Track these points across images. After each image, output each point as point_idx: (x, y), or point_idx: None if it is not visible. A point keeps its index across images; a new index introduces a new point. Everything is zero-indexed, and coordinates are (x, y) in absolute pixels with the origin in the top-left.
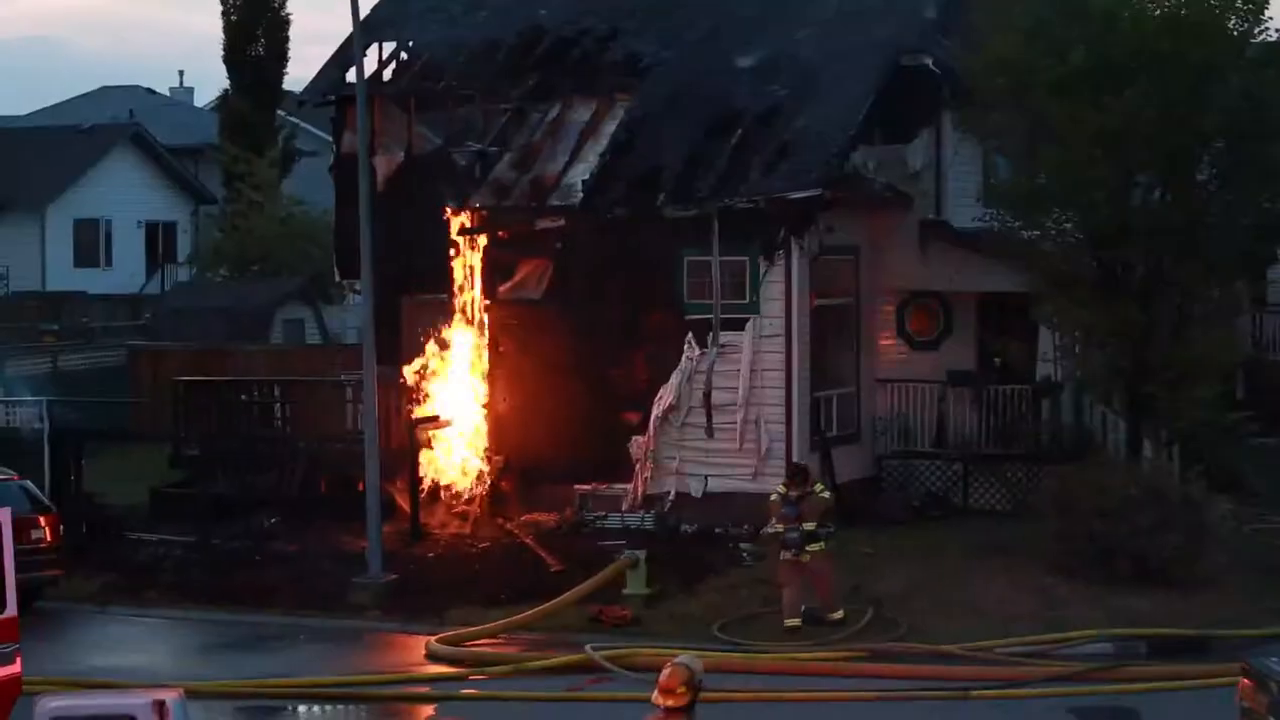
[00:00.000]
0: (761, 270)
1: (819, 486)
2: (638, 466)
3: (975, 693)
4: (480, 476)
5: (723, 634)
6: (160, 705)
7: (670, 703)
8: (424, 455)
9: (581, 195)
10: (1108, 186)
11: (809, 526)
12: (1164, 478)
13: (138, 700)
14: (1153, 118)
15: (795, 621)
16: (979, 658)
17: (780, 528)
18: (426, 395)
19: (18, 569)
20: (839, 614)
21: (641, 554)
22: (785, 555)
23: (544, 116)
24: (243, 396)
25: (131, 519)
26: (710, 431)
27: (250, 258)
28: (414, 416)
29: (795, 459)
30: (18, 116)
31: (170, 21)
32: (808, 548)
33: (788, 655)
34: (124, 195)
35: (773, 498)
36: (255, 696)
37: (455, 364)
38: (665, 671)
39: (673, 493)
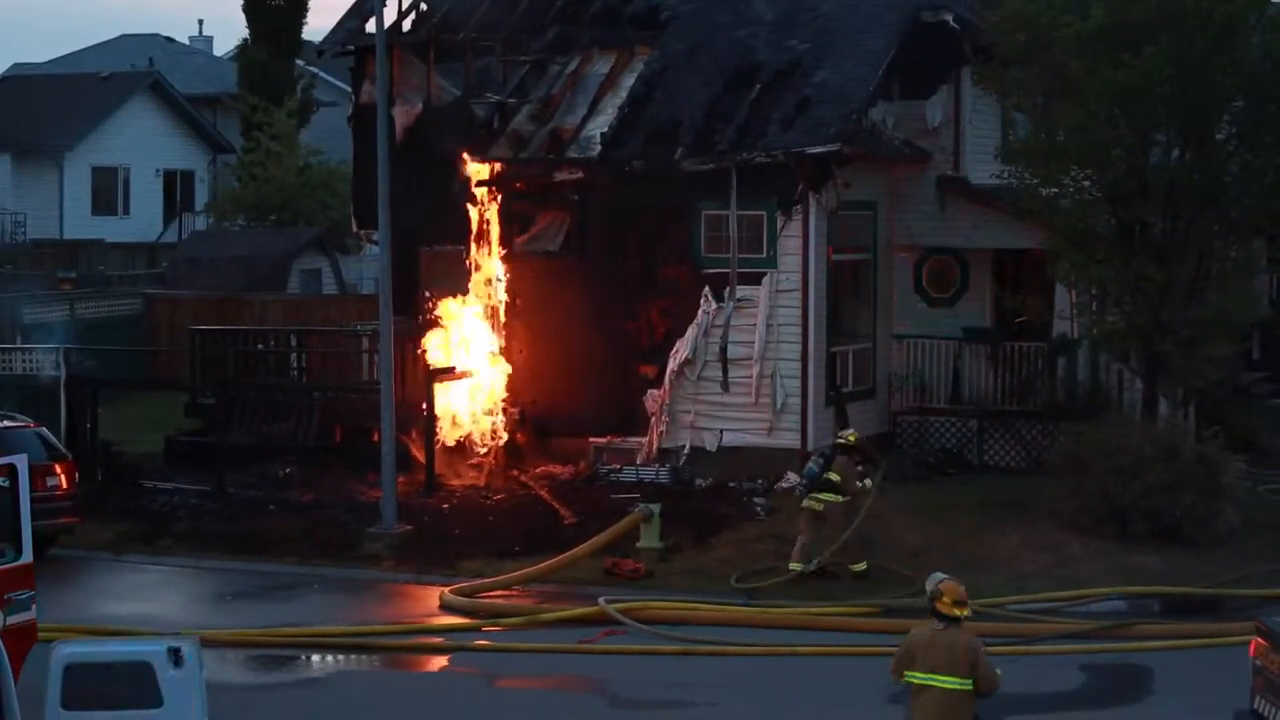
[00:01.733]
0: (779, 224)
1: (849, 436)
2: (653, 420)
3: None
4: (495, 428)
5: (740, 585)
6: (175, 653)
7: (964, 613)
8: (439, 406)
9: (600, 148)
10: (1126, 144)
11: (833, 476)
12: (1179, 436)
13: (153, 648)
14: (1172, 76)
15: (799, 566)
16: (991, 614)
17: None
18: (443, 346)
19: (34, 516)
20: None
21: (656, 507)
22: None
23: (563, 69)
24: (259, 346)
25: (147, 467)
26: (726, 386)
27: (268, 207)
28: (430, 367)
29: (810, 414)
30: (37, 64)
31: None
32: (821, 496)
33: (801, 610)
34: (142, 143)
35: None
36: (268, 645)
37: (471, 315)
38: (946, 584)
39: (687, 447)
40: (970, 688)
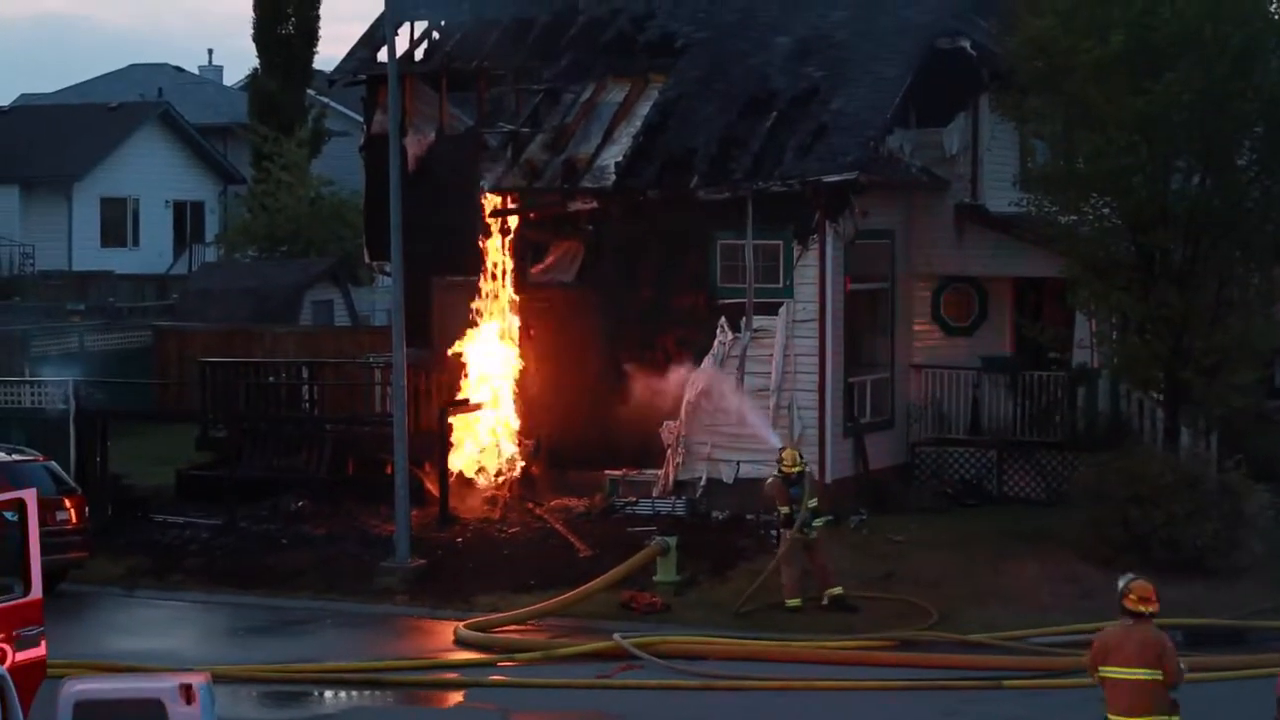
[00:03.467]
0: (795, 254)
1: (788, 455)
2: (669, 452)
3: (1008, 683)
4: (510, 461)
5: (743, 616)
6: (187, 689)
7: (1151, 609)
8: (454, 439)
9: (614, 177)
10: (1146, 171)
11: (813, 504)
12: (1201, 465)
13: (164, 684)
14: (1192, 102)
15: (797, 601)
16: (1012, 647)
17: (786, 509)
18: (458, 379)
19: (43, 551)
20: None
21: (672, 540)
22: (793, 534)
23: (577, 97)
24: (270, 378)
25: (158, 501)
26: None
27: (279, 238)
28: (445, 399)
29: (828, 445)
30: (45, 94)
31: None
32: (815, 524)
33: (817, 644)
34: (152, 174)
35: (771, 481)
36: (281, 681)
37: (486, 347)
38: (1136, 583)
39: (704, 478)
40: (1160, 678)
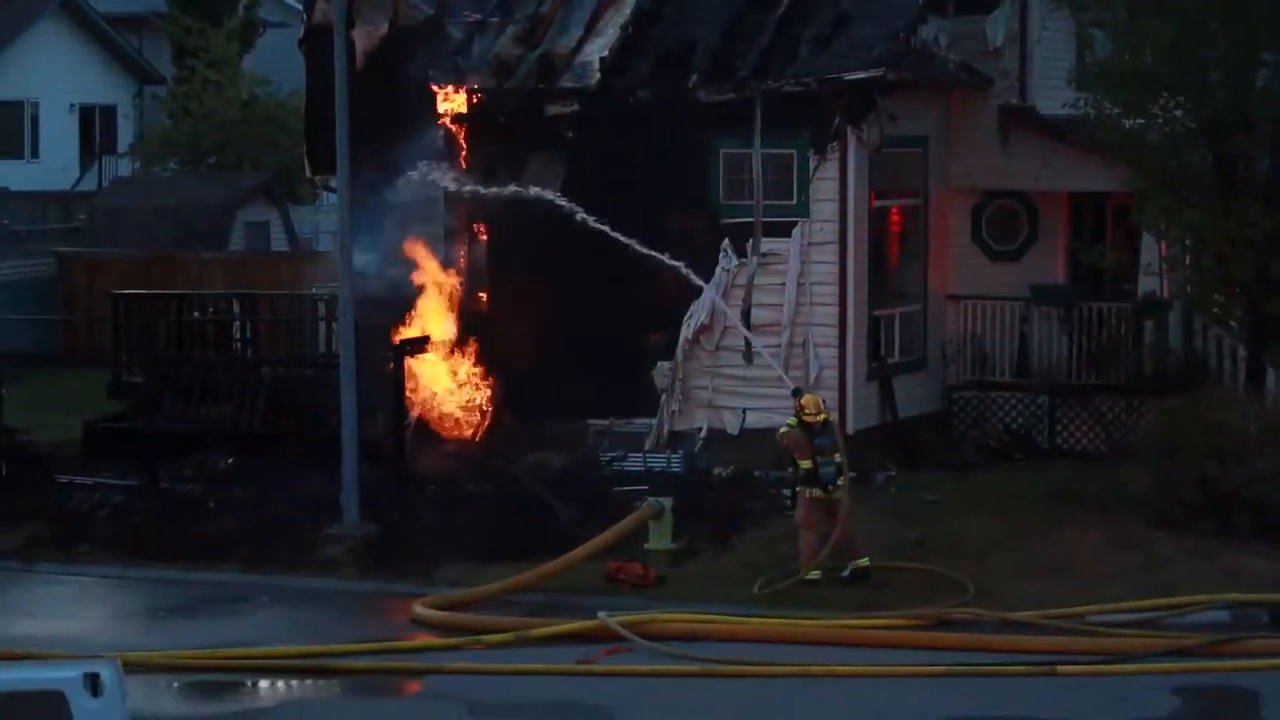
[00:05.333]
0: (811, 165)
1: (809, 400)
2: (663, 398)
3: (1062, 669)
4: (477, 409)
5: (763, 593)
6: (93, 679)
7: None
8: (410, 383)
9: (599, 75)
10: (1226, 66)
11: (839, 458)
12: None
13: (66, 673)
14: None
15: (818, 572)
16: (1066, 627)
17: (809, 464)
18: (413, 313)
19: None
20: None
21: (667, 502)
22: (813, 493)
23: None
24: (195, 313)
25: (62, 459)
26: (749, 357)
27: (205, 148)
28: (398, 338)
29: (850, 390)
30: None
31: None
32: (839, 482)
33: (839, 623)
34: (53, 73)
35: (786, 429)
36: (207, 669)
37: (449, 277)
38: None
39: (704, 429)
40: None
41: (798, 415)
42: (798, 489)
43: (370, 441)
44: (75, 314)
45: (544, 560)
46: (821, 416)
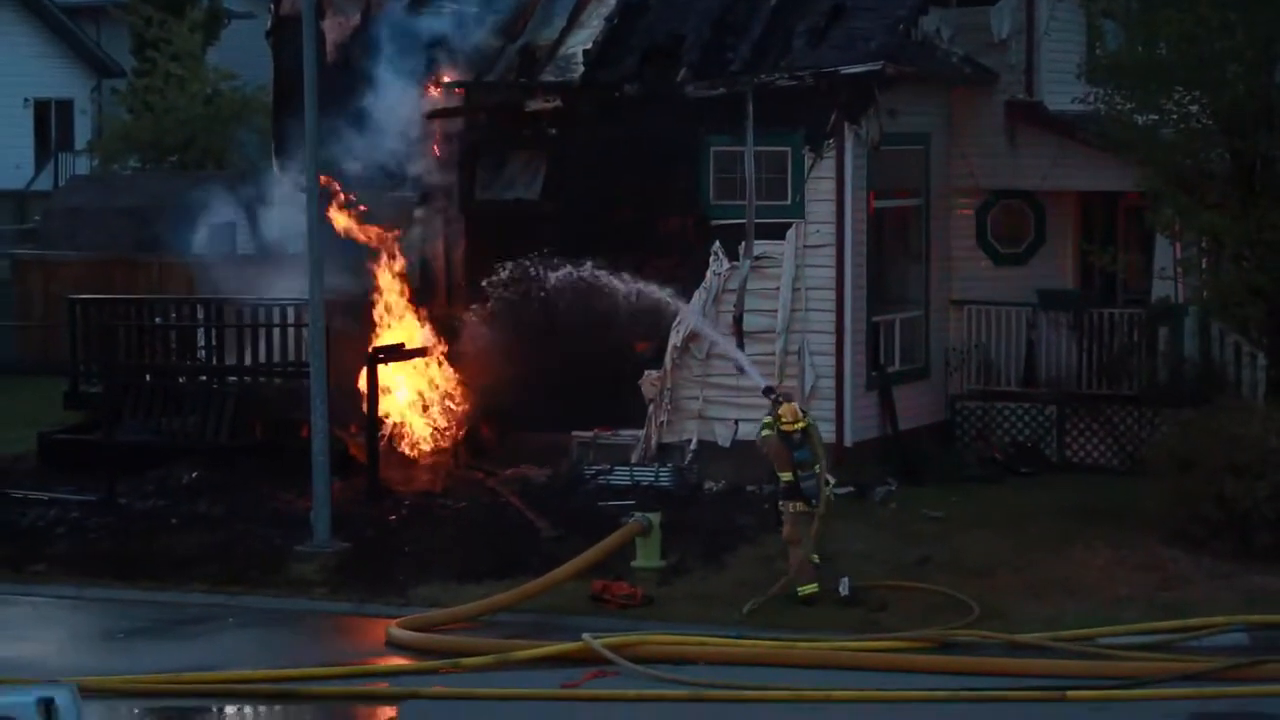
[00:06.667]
0: (807, 164)
1: (786, 410)
2: (651, 409)
3: (1072, 694)
4: (455, 420)
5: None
6: (47, 705)
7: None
8: (385, 394)
9: (582, 68)
10: (1245, 59)
11: (819, 469)
12: None
13: (19, 699)
14: None
15: (813, 588)
16: (1076, 650)
17: (789, 476)
18: (389, 319)
19: None
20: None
21: (655, 517)
22: (795, 507)
23: None
24: (157, 319)
25: (15, 473)
26: (741, 365)
27: (167, 145)
28: (373, 346)
29: (848, 399)
30: None
31: None
32: (824, 494)
33: (836, 644)
34: (5, 66)
35: (765, 434)
36: (170, 694)
37: (426, 280)
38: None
39: (694, 441)
40: None
41: (774, 424)
42: (780, 503)
43: (343, 454)
44: (30, 320)
45: (526, 579)
46: (800, 425)
